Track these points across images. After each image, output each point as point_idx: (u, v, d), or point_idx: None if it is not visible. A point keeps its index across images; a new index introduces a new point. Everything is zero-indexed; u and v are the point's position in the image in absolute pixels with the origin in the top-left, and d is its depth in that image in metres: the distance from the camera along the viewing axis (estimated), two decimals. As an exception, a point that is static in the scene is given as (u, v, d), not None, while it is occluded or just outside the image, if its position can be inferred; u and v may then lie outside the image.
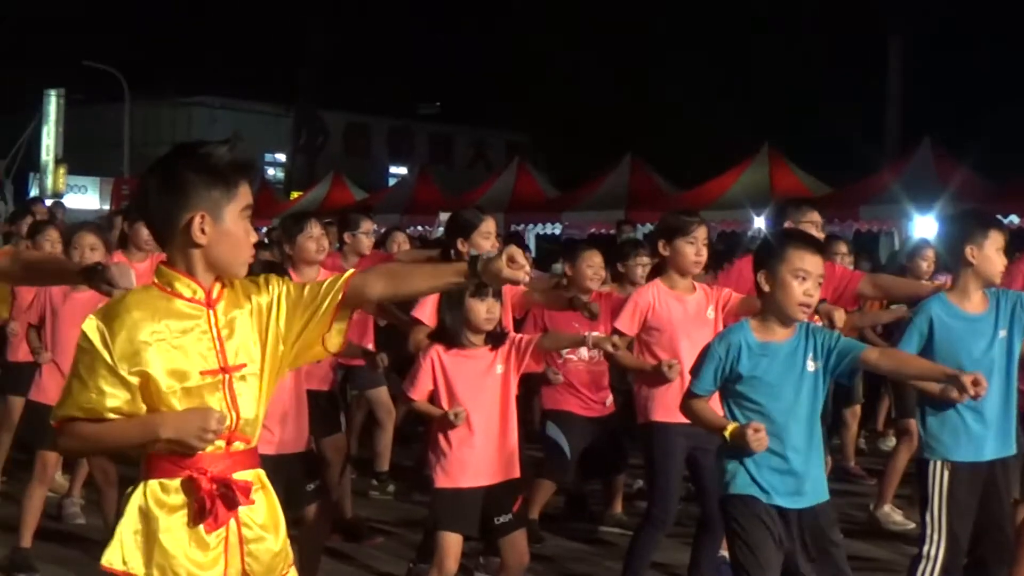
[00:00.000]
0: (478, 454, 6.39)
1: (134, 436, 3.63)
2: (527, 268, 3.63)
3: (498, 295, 6.26)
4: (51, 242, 9.75)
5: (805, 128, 38.48)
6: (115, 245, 9.77)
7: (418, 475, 9.55)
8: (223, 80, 49.52)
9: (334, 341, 3.77)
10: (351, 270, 3.81)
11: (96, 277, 4.01)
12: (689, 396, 5.53)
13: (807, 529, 5.31)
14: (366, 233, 9.78)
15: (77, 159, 36.43)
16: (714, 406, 5.53)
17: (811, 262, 5.30)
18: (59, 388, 3.91)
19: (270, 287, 3.75)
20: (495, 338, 6.42)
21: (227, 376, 3.64)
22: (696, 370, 5.47)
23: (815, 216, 7.66)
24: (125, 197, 27.32)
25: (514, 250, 3.63)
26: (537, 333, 8.05)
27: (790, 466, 5.29)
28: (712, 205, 22.74)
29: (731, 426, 5.26)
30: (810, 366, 5.30)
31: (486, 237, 7.83)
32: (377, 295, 3.78)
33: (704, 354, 5.45)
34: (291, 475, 6.33)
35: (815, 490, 5.37)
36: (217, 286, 3.70)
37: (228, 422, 3.63)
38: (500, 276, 3.63)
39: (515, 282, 3.64)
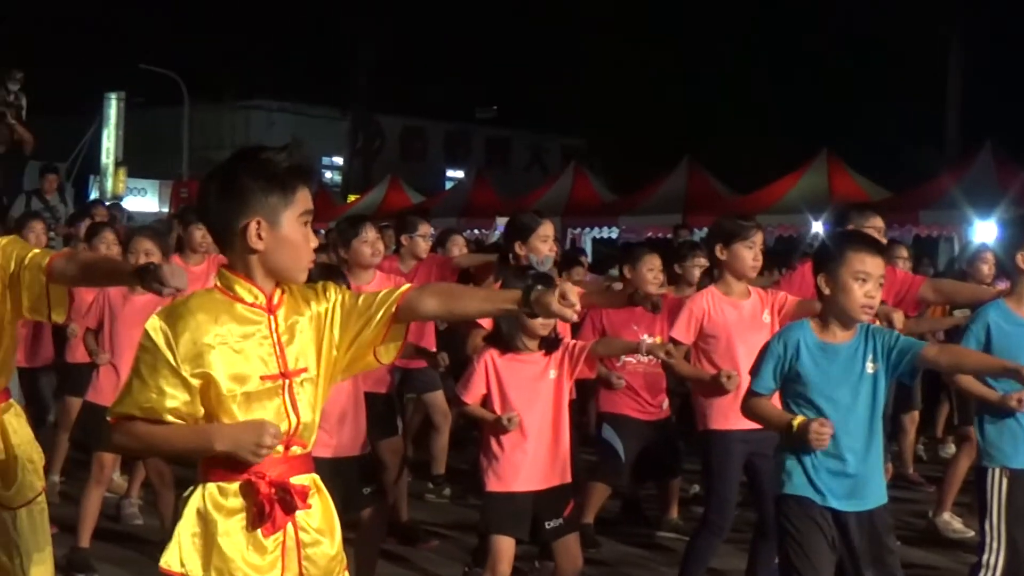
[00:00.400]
0: (530, 458, 6.39)
1: (188, 444, 3.66)
2: (577, 307, 3.63)
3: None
4: (107, 244, 9.81)
5: (864, 132, 38.26)
6: (173, 248, 9.85)
7: (473, 479, 9.54)
8: (281, 84, 49.79)
9: (388, 355, 3.79)
10: (407, 285, 3.82)
11: (149, 277, 4.03)
12: (750, 395, 5.50)
13: (863, 534, 5.27)
14: (423, 236, 9.78)
15: (137, 162, 36.65)
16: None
17: (872, 263, 5.26)
18: (116, 390, 3.93)
19: (327, 294, 3.77)
20: (549, 343, 6.41)
21: (287, 381, 3.66)
22: (756, 369, 5.44)
23: (877, 221, 7.58)
24: (183, 200, 27.48)
25: (568, 288, 3.64)
26: (595, 337, 8.04)
27: (847, 468, 5.25)
28: (770, 209, 22.64)
29: (798, 418, 5.21)
30: (869, 368, 5.26)
31: (544, 240, 7.82)
32: (429, 312, 3.78)
33: (764, 352, 5.43)
34: (348, 478, 6.35)
35: (872, 493, 5.33)
36: (278, 292, 3.72)
37: (287, 426, 3.65)
38: (550, 310, 3.62)
39: (563, 318, 3.65)
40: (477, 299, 3.99)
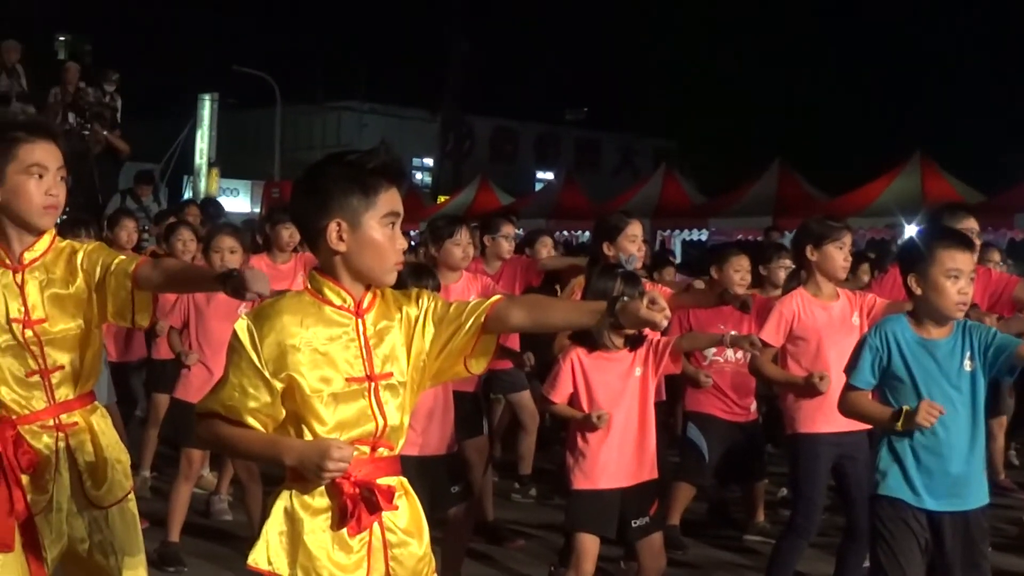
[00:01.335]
0: (616, 456, 6.39)
1: (260, 452, 3.71)
2: (667, 311, 3.59)
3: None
4: (183, 242, 9.91)
5: (959, 134, 37.82)
6: (262, 247, 9.93)
7: (559, 479, 9.54)
8: (373, 85, 50.12)
9: (479, 365, 3.79)
10: (497, 296, 3.82)
11: (231, 283, 4.07)
12: (848, 390, 5.43)
13: (956, 537, 5.21)
14: (505, 237, 9.77)
15: (229, 163, 36.95)
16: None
17: (961, 260, 5.21)
18: (204, 386, 3.96)
19: (420, 301, 3.77)
20: (634, 340, 6.41)
21: (373, 384, 3.67)
22: (853, 364, 5.38)
23: (971, 223, 7.49)
24: (275, 200, 27.68)
25: (655, 293, 3.62)
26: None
27: (946, 466, 5.19)
28: (862, 212, 22.44)
29: (905, 407, 5.15)
30: (967, 365, 5.20)
31: (632, 240, 7.80)
32: (517, 324, 3.77)
33: (860, 346, 5.38)
34: (436, 477, 6.38)
35: (973, 494, 5.27)
36: (368, 296, 3.73)
37: (373, 428, 3.66)
38: (638, 317, 3.58)
39: (653, 324, 3.59)
40: (564, 310, 4.01)
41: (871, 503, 5.38)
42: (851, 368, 5.40)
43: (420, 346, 3.74)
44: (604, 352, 6.43)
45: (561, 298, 7.98)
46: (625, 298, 3.64)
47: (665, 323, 3.60)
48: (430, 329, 3.74)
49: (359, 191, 3.62)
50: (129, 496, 4.56)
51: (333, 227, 3.62)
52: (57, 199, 4.37)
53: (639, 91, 48.02)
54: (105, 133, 17.81)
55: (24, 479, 4.32)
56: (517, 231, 13.63)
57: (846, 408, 5.50)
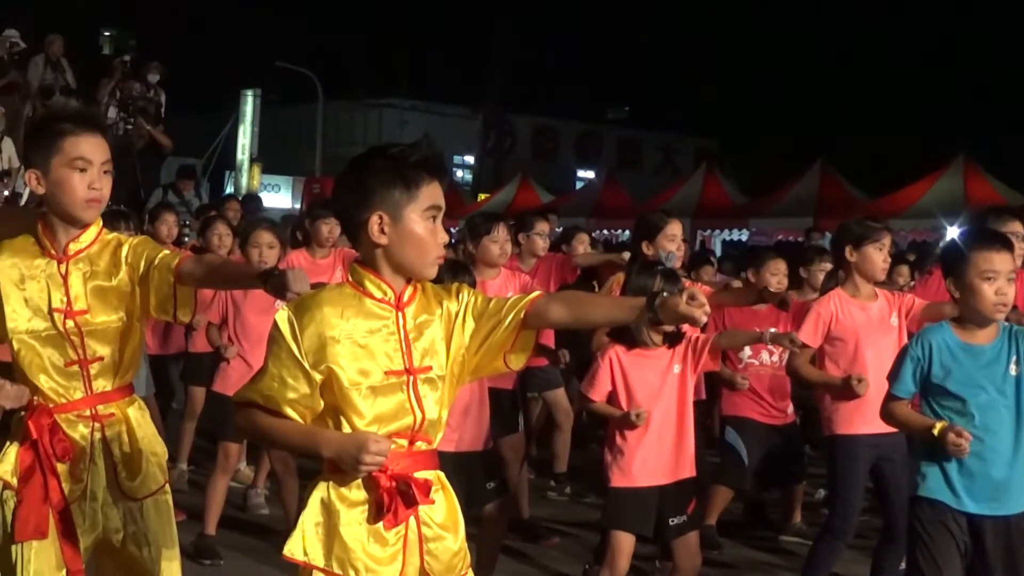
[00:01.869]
0: (655, 453, 6.38)
1: (298, 443, 3.72)
2: (707, 307, 3.58)
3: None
4: (219, 236, 9.95)
5: (1003, 135, 37.57)
6: (302, 243, 9.96)
7: (596, 477, 9.53)
8: (414, 82, 50.19)
9: (518, 361, 3.79)
10: (537, 292, 3.82)
11: (272, 282, 4.08)
12: (889, 400, 5.42)
13: (998, 541, 5.17)
14: (540, 234, 9.76)
15: (271, 158, 37.11)
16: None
17: (998, 260, 5.18)
18: (242, 380, 3.98)
19: (460, 296, 3.78)
20: (672, 337, 6.40)
21: (411, 377, 3.67)
22: (895, 373, 5.37)
23: (1016, 226, 7.43)
24: (316, 196, 27.75)
25: (695, 290, 3.60)
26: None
27: (989, 470, 5.15)
28: (904, 214, 22.33)
29: (940, 424, 5.12)
30: (1013, 369, 5.17)
31: (671, 239, 7.79)
32: (557, 320, 3.78)
33: (902, 356, 5.36)
34: (472, 473, 6.38)
35: (1015, 499, 5.22)
36: (409, 289, 3.73)
37: (411, 421, 3.66)
38: (677, 312, 3.57)
39: (693, 320, 3.58)
40: (603, 306, 3.99)
41: (911, 504, 5.35)
42: (893, 377, 5.38)
43: (460, 341, 3.74)
44: (643, 350, 6.42)
45: (600, 294, 7.97)
46: (665, 294, 3.64)
47: (705, 319, 3.59)
48: (470, 324, 3.74)
49: (401, 184, 3.62)
50: (164, 489, 4.58)
51: (375, 220, 3.62)
52: (101, 193, 4.38)
53: (681, 90, 47.93)
54: (149, 128, 17.90)
55: (60, 468, 4.35)
56: (556, 229, 13.66)
57: (888, 417, 5.49)
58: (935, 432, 5.12)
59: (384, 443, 3.54)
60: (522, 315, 3.69)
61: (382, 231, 3.63)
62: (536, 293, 3.77)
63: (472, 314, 3.74)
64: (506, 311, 3.71)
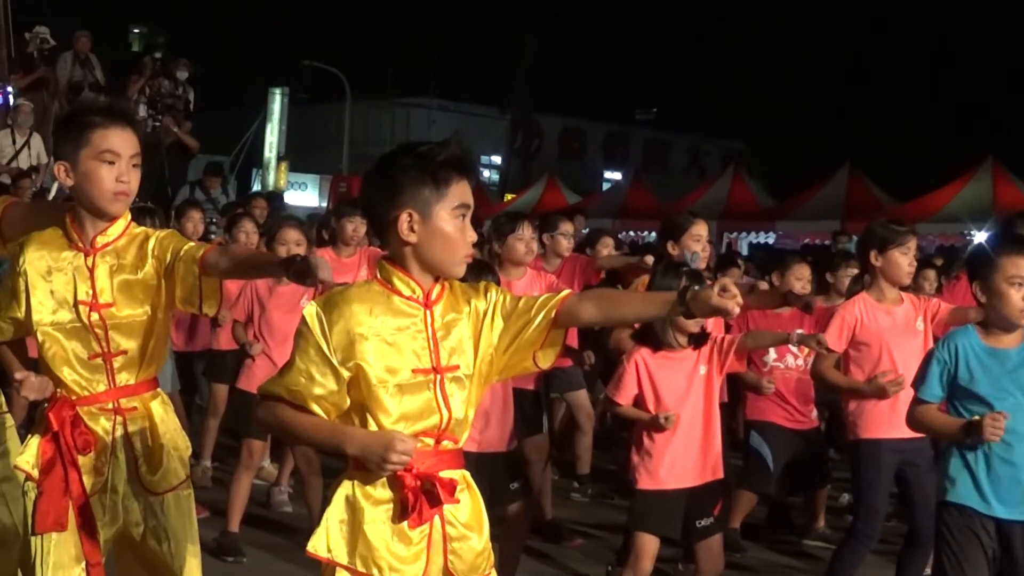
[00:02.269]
0: (682, 456, 6.37)
1: (322, 439, 3.71)
2: (739, 299, 3.55)
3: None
4: (246, 233, 9.96)
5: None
6: (328, 242, 9.98)
7: (620, 479, 9.52)
8: (441, 82, 50.21)
9: (547, 359, 3.78)
10: (567, 290, 3.80)
11: (295, 268, 4.08)
12: (916, 404, 5.39)
13: None
14: (564, 235, 9.75)
15: (298, 157, 37.19)
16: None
17: None
18: (267, 377, 3.98)
19: (488, 295, 3.77)
20: (698, 339, 6.38)
21: (439, 376, 3.66)
22: (921, 377, 5.34)
23: (1046, 231, 7.41)
24: (342, 195, 27.81)
25: (727, 281, 3.58)
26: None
27: (1018, 475, 5.14)
28: (931, 218, 22.25)
29: (973, 418, 5.08)
30: None
31: (696, 240, 7.78)
32: (588, 318, 3.77)
33: (928, 360, 5.33)
34: (494, 474, 6.37)
35: None
36: (437, 287, 3.72)
37: (438, 420, 3.66)
38: (710, 304, 3.54)
39: (726, 311, 3.55)
40: (634, 303, 3.97)
41: (938, 510, 5.33)
42: (919, 382, 5.36)
43: (488, 340, 3.73)
44: (669, 351, 6.41)
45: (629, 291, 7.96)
46: (696, 287, 3.61)
47: (738, 310, 3.56)
48: (498, 323, 3.73)
49: (431, 182, 3.62)
50: (185, 484, 4.58)
51: (404, 218, 3.62)
52: (128, 186, 4.39)
53: (709, 92, 47.79)
54: (176, 129, 17.94)
55: (81, 461, 4.36)
56: (583, 230, 13.65)
57: (915, 422, 5.45)
58: (972, 422, 5.07)
59: (410, 443, 3.53)
60: (553, 314, 3.68)
61: (411, 229, 3.63)
62: (566, 292, 3.76)
63: (501, 313, 3.74)
64: (536, 310, 3.70)
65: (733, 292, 3.55)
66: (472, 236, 3.72)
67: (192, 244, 4.45)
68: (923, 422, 5.40)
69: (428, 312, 3.69)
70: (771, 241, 26.54)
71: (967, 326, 5.40)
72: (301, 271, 4.05)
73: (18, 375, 4.39)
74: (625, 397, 6.47)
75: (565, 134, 55.31)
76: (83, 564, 4.38)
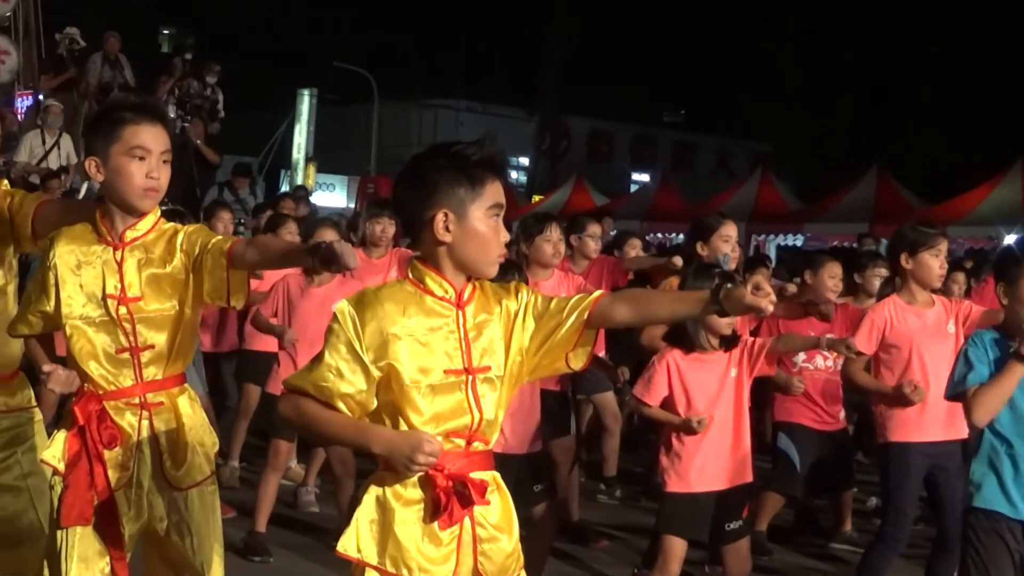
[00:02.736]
0: (713, 459, 6.36)
1: (347, 437, 3.71)
2: (772, 297, 3.54)
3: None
4: (291, 234, 9.98)
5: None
6: (358, 242, 9.98)
7: (648, 481, 9.51)
8: (470, 84, 50.23)
9: (579, 360, 3.76)
10: (599, 291, 3.80)
11: (321, 255, 4.07)
12: (971, 396, 5.13)
13: None
14: (591, 236, 9.74)
15: (327, 157, 37.25)
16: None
17: None
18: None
19: (519, 296, 3.76)
20: (729, 341, 6.37)
21: (470, 377, 3.66)
22: (962, 373, 5.18)
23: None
24: (370, 196, 27.86)
25: (760, 279, 3.57)
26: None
27: None
28: (961, 221, 22.12)
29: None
30: None
31: (725, 240, 7.77)
32: (621, 319, 3.75)
33: (964, 356, 5.20)
34: (519, 475, 6.35)
35: None
36: (469, 287, 3.72)
37: (469, 421, 3.65)
38: (743, 303, 3.53)
39: (759, 309, 3.54)
40: (668, 302, 3.96)
41: (965, 515, 5.30)
42: (960, 378, 5.20)
43: (520, 340, 3.72)
44: (700, 353, 6.40)
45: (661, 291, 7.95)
46: (729, 285, 3.60)
47: (771, 308, 3.54)
48: (530, 324, 3.72)
49: (466, 182, 3.62)
50: (210, 480, 4.59)
51: (440, 217, 3.62)
52: (158, 182, 4.41)
53: (737, 93, 47.69)
54: (198, 143, 17.95)
55: (107, 455, 4.37)
56: (611, 232, 13.62)
57: (980, 412, 5.12)
58: None
59: (437, 444, 3.52)
60: (586, 315, 3.67)
61: (447, 229, 3.62)
62: (599, 292, 3.75)
63: (532, 314, 3.73)
64: (568, 311, 3.69)
65: (767, 290, 3.54)
66: (505, 236, 3.72)
67: (220, 237, 4.46)
68: (988, 399, 5.08)
69: (460, 312, 3.69)
70: (799, 243, 26.42)
71: (983, 330, 5.35)
72: (327, 257, 4.04)
73: (46, 367, 4.41)
74: (654, 398, 6.46)
75: (593, 136, 55.28)
76: (107, 558, 4.40)
